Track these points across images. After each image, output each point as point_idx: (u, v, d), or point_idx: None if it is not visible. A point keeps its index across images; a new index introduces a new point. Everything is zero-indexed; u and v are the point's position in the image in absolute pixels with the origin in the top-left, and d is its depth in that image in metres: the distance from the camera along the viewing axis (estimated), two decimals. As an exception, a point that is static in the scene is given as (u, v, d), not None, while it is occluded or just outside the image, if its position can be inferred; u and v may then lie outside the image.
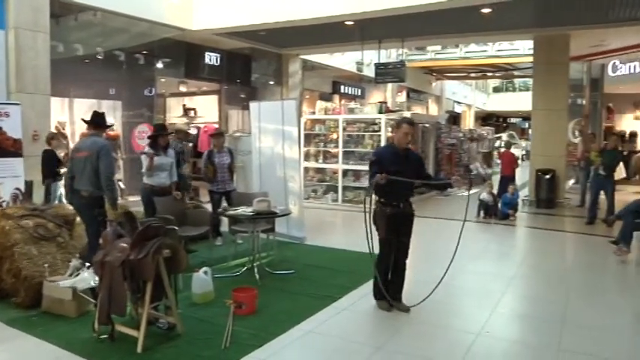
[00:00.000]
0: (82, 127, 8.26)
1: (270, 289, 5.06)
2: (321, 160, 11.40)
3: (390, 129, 10.18)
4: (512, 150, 13.23)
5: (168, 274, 3.88)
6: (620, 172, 10.28)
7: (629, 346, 4.01)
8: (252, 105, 8.21)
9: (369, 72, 13.85)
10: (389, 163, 4.38)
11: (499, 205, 9.45)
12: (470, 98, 28.60)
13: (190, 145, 9.35)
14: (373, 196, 4.44)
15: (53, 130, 8.40)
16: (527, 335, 4.23)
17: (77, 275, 4.41)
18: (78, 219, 5.17)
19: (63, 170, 7.08)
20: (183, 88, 13.63)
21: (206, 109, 14.09)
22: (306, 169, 11.34)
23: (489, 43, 17.47)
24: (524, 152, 24.19)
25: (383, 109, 11.07)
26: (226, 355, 3.65)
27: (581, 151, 11.48)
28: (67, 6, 8.69)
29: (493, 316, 4.52)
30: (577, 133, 13.63)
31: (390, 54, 15.57)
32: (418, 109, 20.42)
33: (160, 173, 6.19)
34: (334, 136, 11.14)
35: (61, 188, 7.28)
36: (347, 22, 9.91)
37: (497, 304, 4.83)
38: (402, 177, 4.25)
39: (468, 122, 28.05)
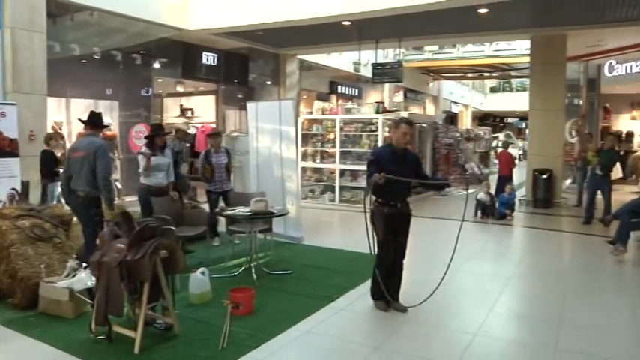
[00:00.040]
0: (79, 127, 8.29)
1: (268, 290, 5.05)
2: (318, 160, 11.39)
3: (387, 129, 10.20)
4: (510, 150, 13.25)
5: (166, 274, 3.88)
6: (617, 172, 10.32)
7: (626, 346, 4.02)
8: (250, 105, 8.20)
9: (367, 72, 13.84)
10: (387, 163, 4.38)
11: (496, 204, 9.46)
12: (467, 98, 28.68)
13: (187, 145, 9.33)
14: (371, 195, 4.44)
15: (50, 130, 8.39)
16: (525, 335, 4.24)
17: (74, 276, 4.40)
18: (75, 219, 5.16)
19: (62, 171, 7.05)
20: (180, 88, 13.59)
21: (203, 109, 14.05)
22: (304, 169, 11.33)
23: (486, 43, 17.51)
24: (521, 152, 24.25)
25: (380, 109, 11.08)
26: (224, 355, 3.65)
27: (577, 151, 11.52)
28: (64, 6, 8.66)
29: (490, 316, 4.52)
30: (574, 133, 13.66)
31: (387, 54, 15.59)
32: (415, 109, 20.47)
33: (157, 173, 6.18)
34: (331, 136, 11.13)
35: (59, 189, 7.26)
36: (344, 22, 9.91)
37: (495, 303, 4.84)
38: (400, 177, 4.25)
39: (465, 122, 28.13)
